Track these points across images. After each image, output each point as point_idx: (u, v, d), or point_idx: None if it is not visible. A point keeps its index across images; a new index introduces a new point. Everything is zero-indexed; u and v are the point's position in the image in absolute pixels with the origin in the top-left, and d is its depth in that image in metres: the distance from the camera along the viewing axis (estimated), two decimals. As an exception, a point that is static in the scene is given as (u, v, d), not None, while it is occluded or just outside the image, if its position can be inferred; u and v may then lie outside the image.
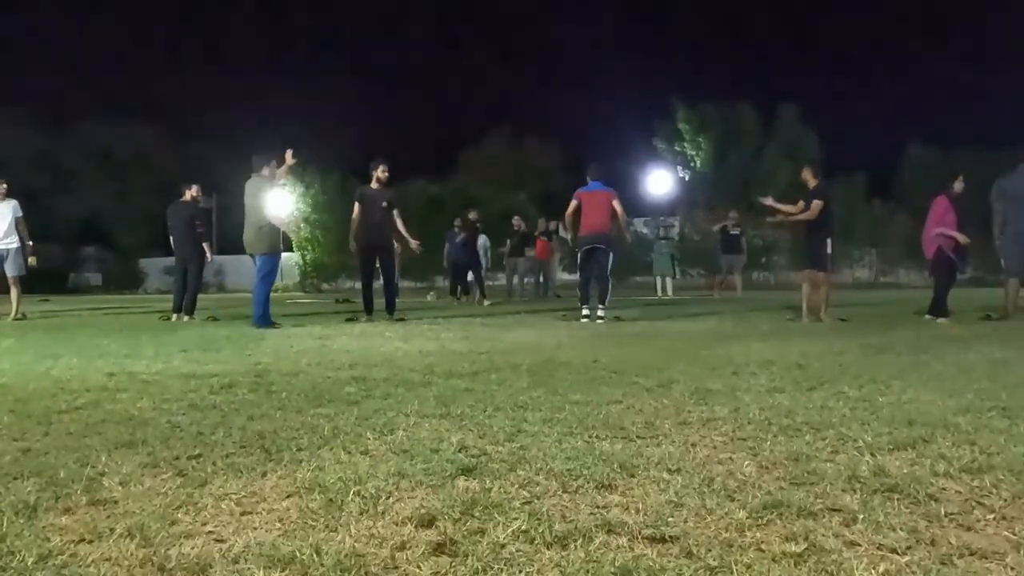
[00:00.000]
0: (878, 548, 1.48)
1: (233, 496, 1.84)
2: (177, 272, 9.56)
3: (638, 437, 2.43)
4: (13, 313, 9.18)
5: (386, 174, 8.58)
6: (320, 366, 4.33)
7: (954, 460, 2.08)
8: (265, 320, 7.79)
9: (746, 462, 2.11)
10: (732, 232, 15.05)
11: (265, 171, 7.88)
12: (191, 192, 9.57)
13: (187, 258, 9.39)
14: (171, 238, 9.56)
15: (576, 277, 8.99)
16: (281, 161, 8.12)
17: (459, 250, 15.71)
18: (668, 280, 17.08)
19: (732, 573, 1.37)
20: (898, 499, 1.77)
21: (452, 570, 1.40)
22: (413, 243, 8.68)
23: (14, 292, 9.30)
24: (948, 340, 5.59)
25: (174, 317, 9.17)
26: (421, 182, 28.23)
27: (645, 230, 25.42)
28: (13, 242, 9.22)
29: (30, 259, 9.43)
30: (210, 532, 1.61)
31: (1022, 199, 7.63)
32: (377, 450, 2.29)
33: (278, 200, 8.38)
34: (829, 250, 7.91)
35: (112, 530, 1.60)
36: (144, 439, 2.44)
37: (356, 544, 1.52)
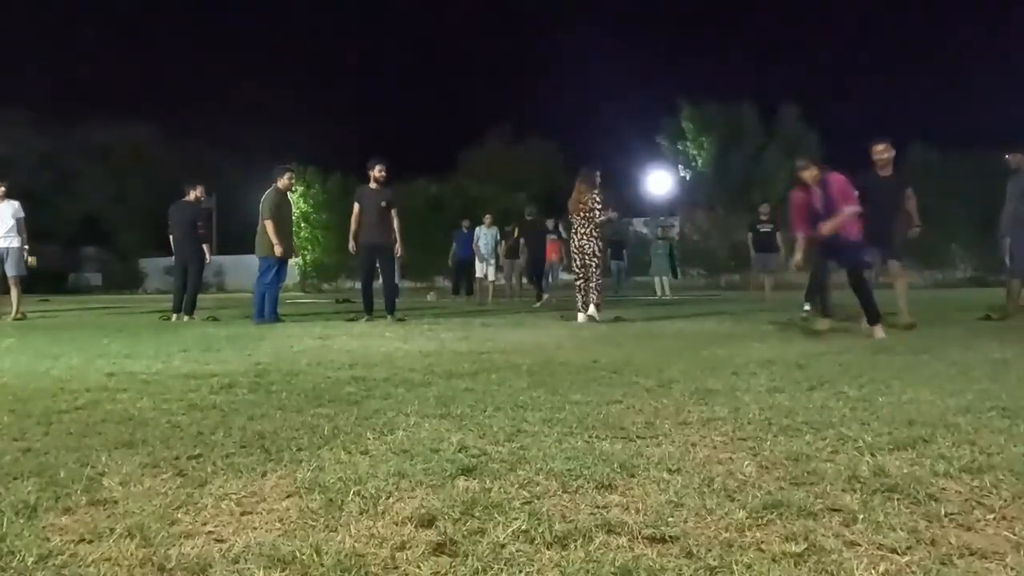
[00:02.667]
0: (878, 548, 1.48)
1: (233, 496, 1.84)
2: (177, 272, 9.55)
3: (638, 437, 2.43)
4: (13, 313, 9.19)
5: (383, 174, 8.58)
6: (320, 366, 4.33)
7: (954, 460, 2.08)
8: (260, 317, 8.35)
9: (746, 462, 2.11)
10: (763, 230, 13.42)
11: (280, 182, 8.59)
12: (195, 192, 9.54)
13: (187, 258, 9.38)
14: (171, 238, 9.55)
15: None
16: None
17: (466, 249, 15.75)
18: (666, 280, 17.07)
19: (732, 573, 1.37)
20: (898, 499, 1.77)
21: (452, 570, 1.40)
22: (398, 248, 8.66)
23: (14, 292, 9.31)
24: (948, 340, 5.59)
25: (174, 317, 9.17)
26: (421, 182, 28.23)
27: (645, 230, 25.40)
28: (13, 242, 9.23)
29: (30, 259, 9.43)
30: (210, 532, 1.61)
31: None
32: (377, 450, 2.29)
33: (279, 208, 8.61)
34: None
35: (112, 530, 1.60)
36: (144, 439, 2.44)
37: (356, 544, 1.52)
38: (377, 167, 8.54)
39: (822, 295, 7.05)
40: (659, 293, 16.62)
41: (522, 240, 14.61)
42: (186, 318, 9.11)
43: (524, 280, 15.50)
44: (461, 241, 16.00)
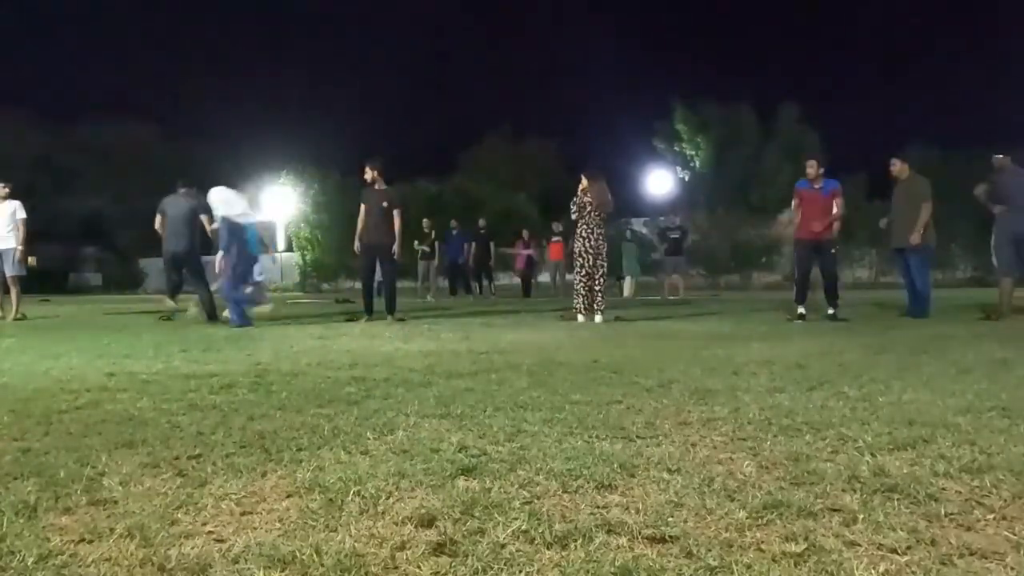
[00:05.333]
0: (878, 548, 1.48)
1: (233, 496, 1.84)
2: (167, 266, 9.13)
3: (638, 437, 2.43)
4: (13, 313, 9.19)
5: (371, 173, 8.54)
6: (320, 366, 4.32)
7: (954, 460, 2.08)
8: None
9: (746, 462, 2.11)
10: (672, 236, 15.99)
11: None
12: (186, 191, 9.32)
13: (179, 253, 9.08)
14: (164, 230, 9.14)
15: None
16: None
17: (456, 250, 16.23)
18: (633, 281, 17.27)
19: (732, 573, 1.37)
20: (898, 499, 1.77)
21: (452, 570, 1.40)
22: (396, 248, 8.61)
23: (13, 292, 9.30)
24: (948, 340, 5.59)
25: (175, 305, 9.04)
26: (421, 182, 28.27)
27: (644, 230, 25.42)
28: (11, 242, 9.21)
29: (30, 259, 9.41)
30: (210, 532, 1.61)
31: (1020, 200, 7.64)
32: (377, 450, 2.29)
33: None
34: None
35: (112, 530, 1.60)
36: (144, 439, 2.44)
37: (356, 544, 1.52)
38: (365, 168, 8.57)
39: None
40: (626, 294, 16.71)
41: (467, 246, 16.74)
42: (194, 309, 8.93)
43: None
44: (451, 243, 16.41)
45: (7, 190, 9.27)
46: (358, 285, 9.29)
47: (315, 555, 1.45)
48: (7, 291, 9.41)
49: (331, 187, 28.79)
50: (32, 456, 2.24)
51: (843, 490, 1.84)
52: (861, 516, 1.64)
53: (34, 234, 9.86)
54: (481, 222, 17.56)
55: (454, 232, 16.85)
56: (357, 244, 8.72)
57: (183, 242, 8.91)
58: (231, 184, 8.44)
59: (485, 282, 17.06)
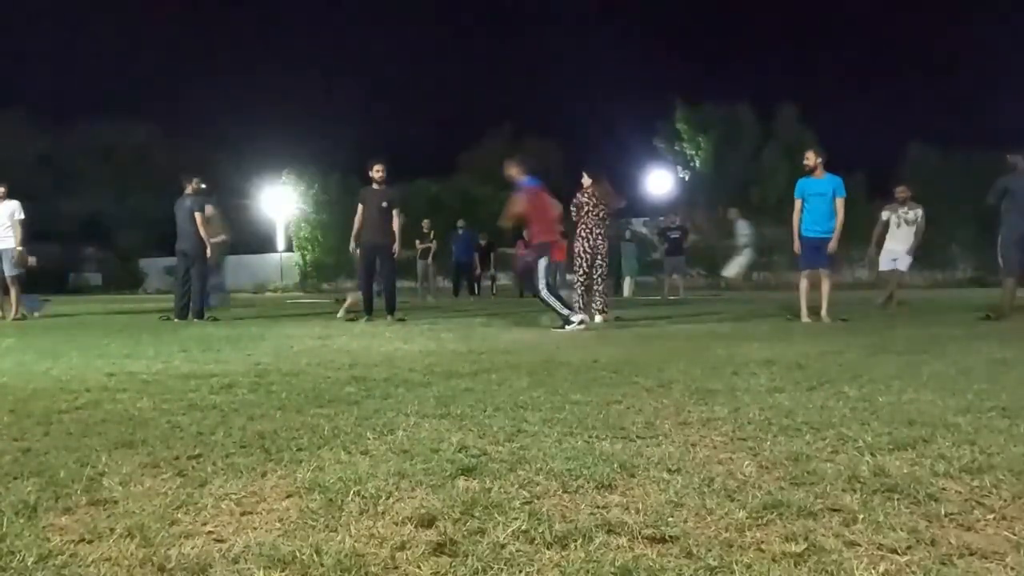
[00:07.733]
0: (878, 548, 1.48)
1: (233, 496, 1.84)
2: (178, 272, 9.34)
3: (638, 437, 2.43)
4: (13, 313, 9.19)
5: (380, 173, 8.57)
6: (320, 366, 4.33)
7: (954, 460, 2.08)
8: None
9: (746, 462, 2.11)
10: (672, 236, 15.97)
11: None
12: (192, 185, 9.34)
13: (187, 250, 9.10)
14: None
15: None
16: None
17: (463, 251, 16.24)
18: (632, 281, 17.30)
19: (732, 573, 1.37)
20: (898, 499, 1.77)
21: (452, 570, 1.40)
22: (396, 247, 8.61)
23: (13, 292, 9.30)
24: (948, 340, 5.59)
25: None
26: (421, 182, 28.26)
27: (644, 230, 25.42)
28: (10, 242, 9.21)
29: (30, 259, 9.40)
30: (210, 532, 1.61)
31: None
32: (377, 450, 2.29)
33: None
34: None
35: (112, 530, 1.60)
36: (144, 439, 2.44)
37: (356, 544, 1.52)
38: (374, 167, 8.56)
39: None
40: (626, 294, 16.70)
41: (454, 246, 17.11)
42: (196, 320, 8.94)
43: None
44: (457, 242, 16.36)
45: (3, 190, 9.26)
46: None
47: (315, 555, 1.45)
48: (7, 291, 9.42)
49: (331, 187, 28.80)
50: (32, 456, 2.25)
51: (843, 490, 1.84)
52: (861, 516, 1.64)
53: (34, 234, 9.86)
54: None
55: (460, 231, 16.88)
56: (352, 244, 8.73)
57: (185, 241, 8.97)
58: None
59: (487, 282, 17.14)
